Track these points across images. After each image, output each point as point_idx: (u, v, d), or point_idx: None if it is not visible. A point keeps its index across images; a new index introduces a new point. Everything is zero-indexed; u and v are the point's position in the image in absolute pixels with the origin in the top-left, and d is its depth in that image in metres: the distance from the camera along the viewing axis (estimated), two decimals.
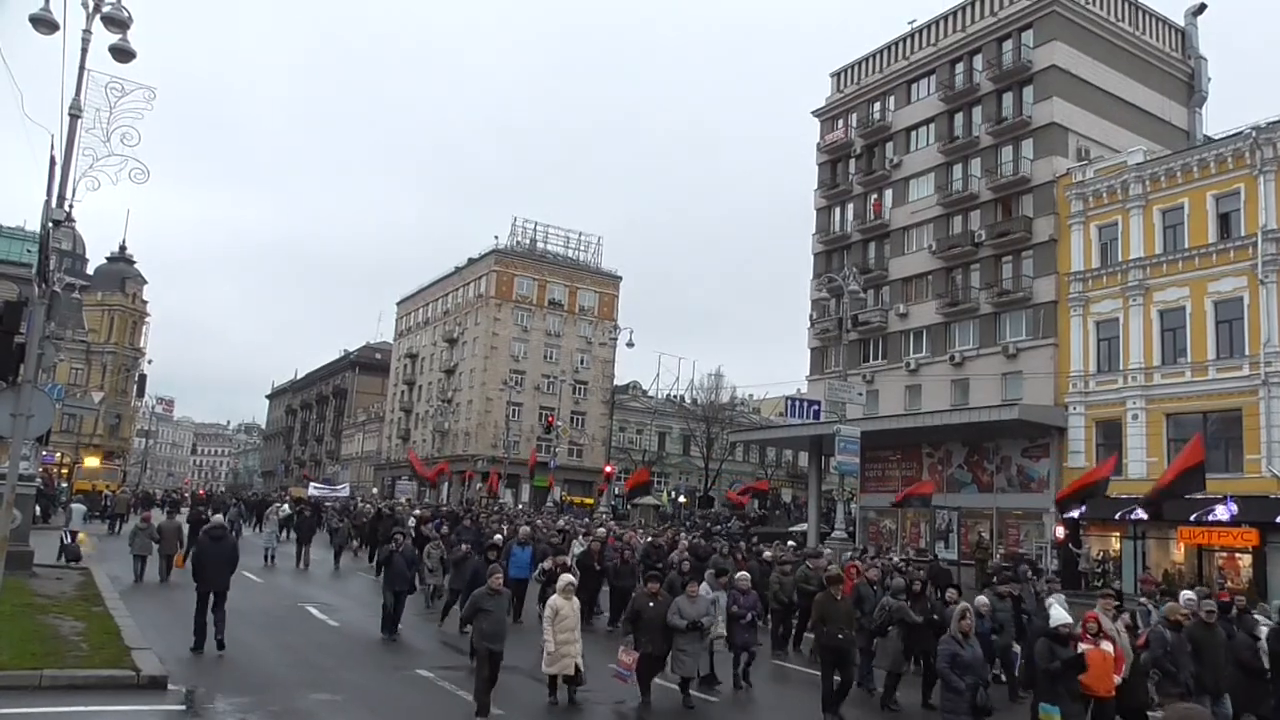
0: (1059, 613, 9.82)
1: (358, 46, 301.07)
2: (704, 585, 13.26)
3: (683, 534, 27.77)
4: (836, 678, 11.77)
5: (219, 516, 16.88)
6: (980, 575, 26.51)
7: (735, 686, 13.17)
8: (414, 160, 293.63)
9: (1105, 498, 32.07)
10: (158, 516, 28.92)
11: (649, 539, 23.91)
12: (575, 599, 11.44)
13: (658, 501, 61.83)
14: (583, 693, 11.49)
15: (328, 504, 41.07)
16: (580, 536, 23.23)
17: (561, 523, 30.10)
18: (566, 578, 11.75)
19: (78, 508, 25.30)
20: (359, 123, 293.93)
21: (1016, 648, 13.65)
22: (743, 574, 14.45)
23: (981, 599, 13.44)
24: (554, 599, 11.22)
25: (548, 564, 15.21)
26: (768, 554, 20.62)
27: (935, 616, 12.85)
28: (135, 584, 20.42)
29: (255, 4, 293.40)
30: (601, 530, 22.31)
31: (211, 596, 13.18)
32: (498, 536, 18.46)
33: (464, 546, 17.11)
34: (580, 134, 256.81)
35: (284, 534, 30.30)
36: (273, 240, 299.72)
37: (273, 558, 26.78)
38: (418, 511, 32.59)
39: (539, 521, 30.91)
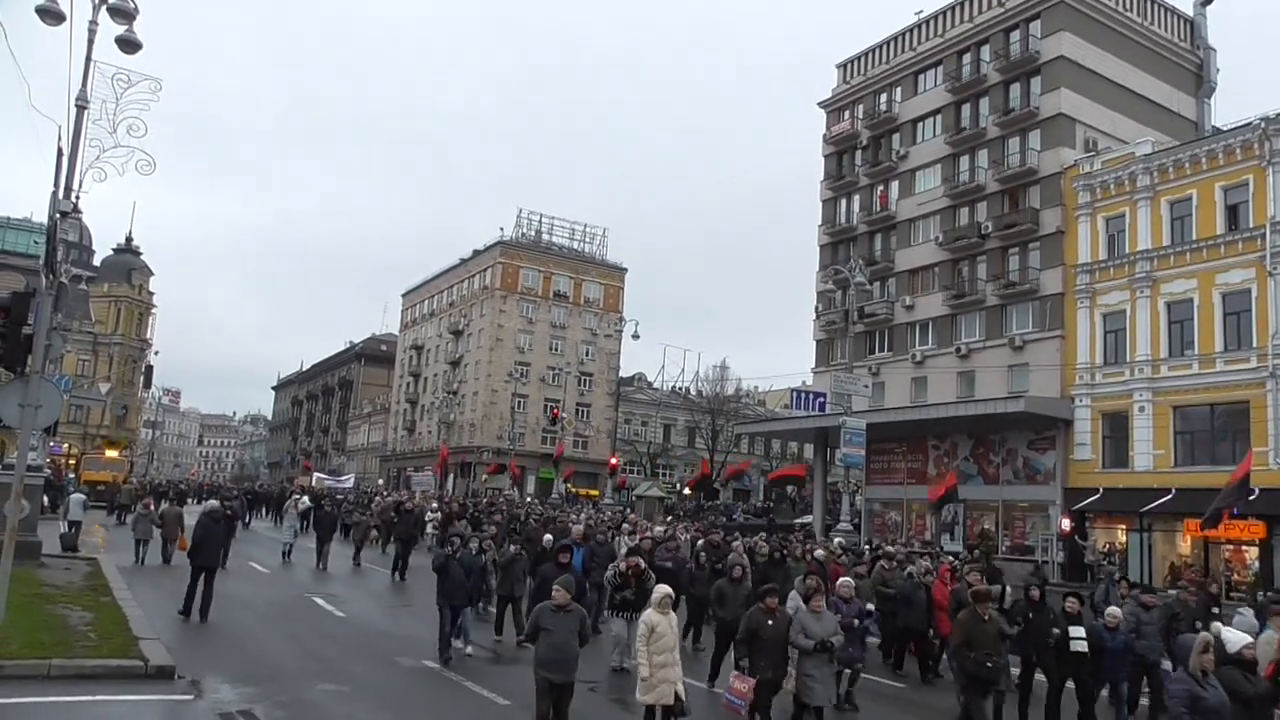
0: (1237, 635, 8.27)
1: (351, 43, 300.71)
2: (792, 597, 11.79)
3: (694, 530, 25.32)
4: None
5: (213, 502, 18.42)
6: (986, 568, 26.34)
7: (839, 708, 11.74)
8: (416, 154, 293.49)
9: (1116, 491, 32.20)
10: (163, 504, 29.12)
11: (693, 537, 21.24)
12: (673, 614, 9.76)
13: (661, 493, 61.91)
14: None
15: (339, 496, 40.53)
16: (625, 535, 20.81)
17: (584, 516, 28.53)
18: (664, 589, 9.89)
19: (76, 498, 25.26)
20: (355, 119, 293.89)
21: (1168, 665, 12.09)
22: (846, 580, 12.96)
23: (1115, 610, 12.17)
24: (649, 614, 9.53)
25: (622, 565, 13.15)
26: (820, 552, 18.93)
27: (1056, 630, 11.52)
28: (136, 566, 21.34)
29: (241, 5, 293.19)
30: (659, 529, 20.04)
31: (204, 574, 14.98)
32: (548, 537, 16.93)
33: (513, 548, 15.58)
34: (584, 126, 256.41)
35: (303, 528, 29.31)
36: (275, 234, 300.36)
37: (290, 554, 25.57)
38: (435, 504, 30.75)
39: (602, 518, 29.07)
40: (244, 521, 35.00)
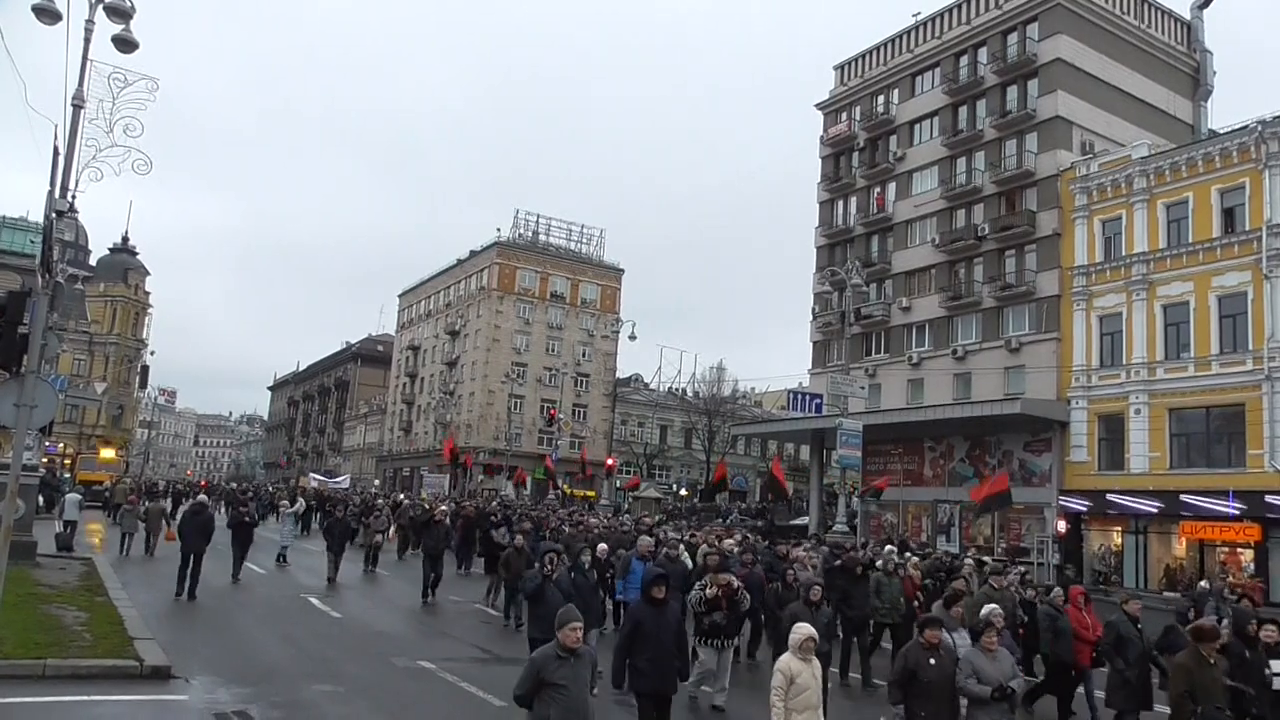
0: None
1: (342, 44, 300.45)
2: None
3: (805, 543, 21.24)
4: None
5: (203, 497, 20.27)
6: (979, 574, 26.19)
7: None
8: (411, 156, 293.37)
9: (1103, 493, 32.27)
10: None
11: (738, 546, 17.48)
12: (816, 661, 7.81)
13: (659, 494, 61.92)
14: None
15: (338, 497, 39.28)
16: (674, 544, 17.51)
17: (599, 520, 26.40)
18: (806, 629, 7.73)
19: (72, 497, 25.30)
20: (347, 121, 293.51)
21: None
22: (992, 607, 10.15)
23: None
24: (788, 661, 7.53)
25: (710, 589, 10.94)
26: (880, 562, 16.17)
27: (1268, 670, 9.58)
28: (121, 558, 22.85)
29: (229, 7, 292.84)
30: (730, 542, 17.04)
31: (191, 558, 16.99)
32: (602, 546, 14.83)
33: (585, 559, 12.94)
34: (580, 127, 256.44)
35: (302, 531, 28.27)
36: (270, 237, 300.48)
37: (286, 558, 24.49)
38: (444, 506, 28.27)
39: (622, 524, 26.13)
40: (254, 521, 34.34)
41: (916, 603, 15.20)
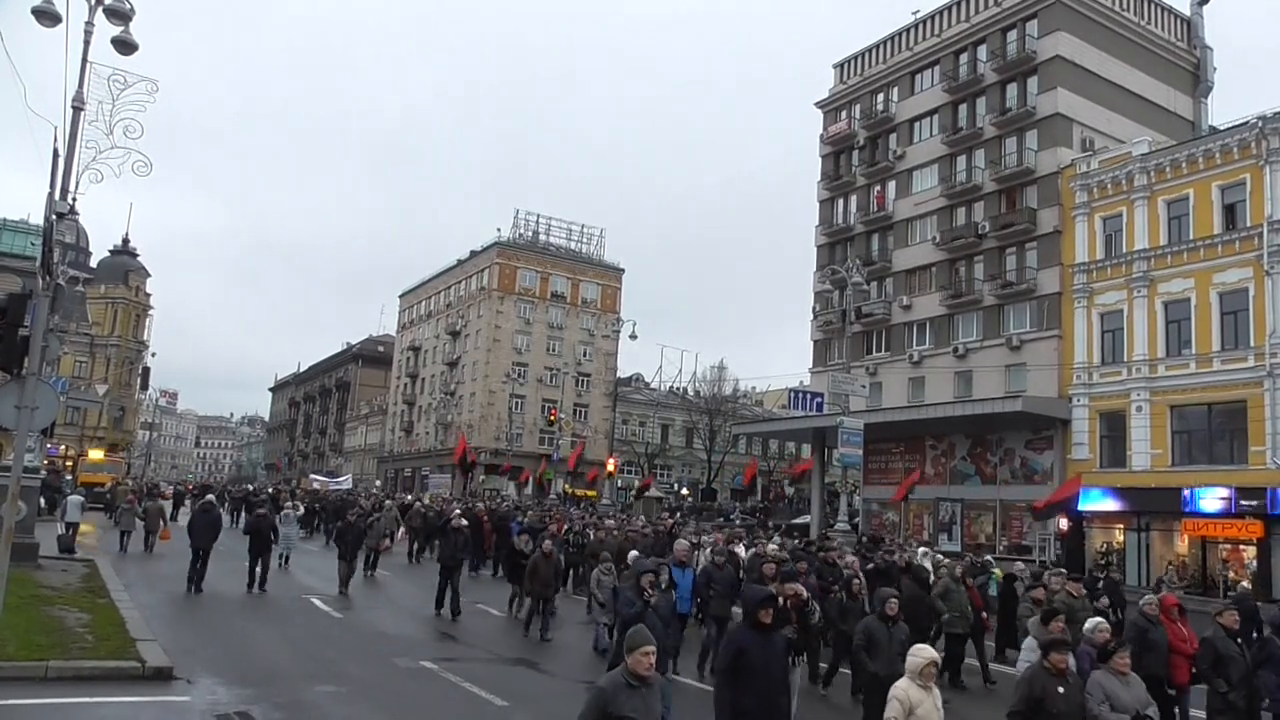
0: None
1: (339, 45, 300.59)
2: (1030, 640, 9.25)
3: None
4: None
5: (210, 497, 21.19)
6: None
7: None
8: (411, 157, 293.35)
9: (1105, 490, 32.23)
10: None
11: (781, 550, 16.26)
12: (936, 690, 6.88)
13: (660, 494, 61.96)
14: None
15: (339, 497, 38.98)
16: (704, 548, 16.14)
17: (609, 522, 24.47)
18: (928, 653, 6.84)
19: (74, 499, 25.27)
20: (346, 123, 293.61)
21: None
22: (1097, 620, 9.31)
23: None
24: (905, 689, 6.64)
25: (780, 598, 9.58)
26: (924, 563, 15.14)
27: None
28: (120, 555, 23.48)
29: (228, 7, 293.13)
30: (772, 547, 15.66)
31: (200, 553, 18.03)
32: (634, 553, 13.41)
33: (657, 575, 11.30)
34: (581, 127, 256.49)
35: (307, 533, 28.15)
36: (270, 238, 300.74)
37: (286, 559, 23.69)
38: (458, 510, 25.72)
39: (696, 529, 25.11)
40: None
41: (985, 613, 14.59)
